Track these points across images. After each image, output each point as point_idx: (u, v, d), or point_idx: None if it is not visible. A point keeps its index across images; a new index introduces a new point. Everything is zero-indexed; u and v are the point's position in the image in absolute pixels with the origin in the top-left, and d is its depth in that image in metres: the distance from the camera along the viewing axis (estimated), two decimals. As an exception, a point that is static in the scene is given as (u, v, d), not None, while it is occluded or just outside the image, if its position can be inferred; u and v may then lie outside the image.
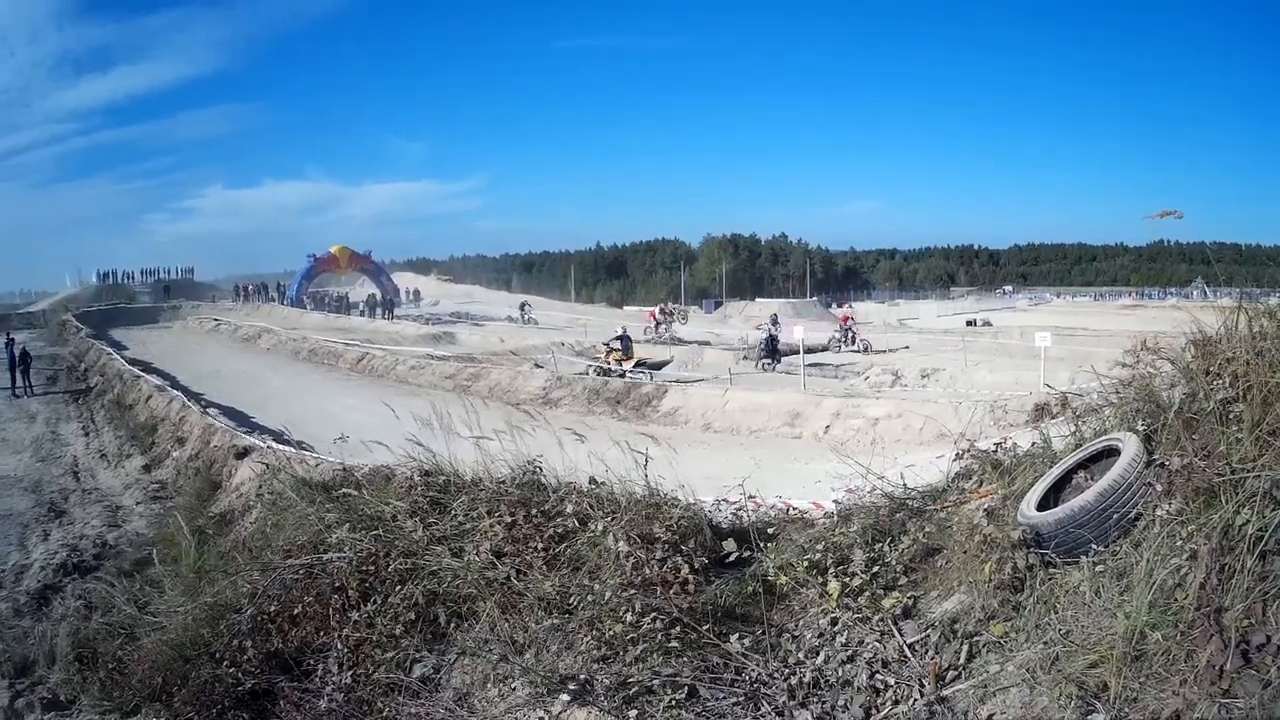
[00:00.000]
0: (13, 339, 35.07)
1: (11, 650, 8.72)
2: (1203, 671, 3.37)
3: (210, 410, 21.98)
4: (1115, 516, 4.43)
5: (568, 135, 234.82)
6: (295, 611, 6.57)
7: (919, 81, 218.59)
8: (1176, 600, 3.74)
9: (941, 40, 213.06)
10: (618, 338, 30.28)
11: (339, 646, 6.28)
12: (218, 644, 6.60)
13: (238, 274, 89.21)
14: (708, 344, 38.46)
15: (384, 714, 5.76)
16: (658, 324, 43.90)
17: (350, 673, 6.12)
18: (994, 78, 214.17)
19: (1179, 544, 3.94)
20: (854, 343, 35.71)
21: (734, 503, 7.12)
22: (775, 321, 40.16)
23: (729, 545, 6.01)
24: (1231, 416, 4.23)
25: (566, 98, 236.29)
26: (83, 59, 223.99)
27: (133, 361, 33.77)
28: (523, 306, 58.88)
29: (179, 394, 24.42)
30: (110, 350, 37.98)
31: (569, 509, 6.66)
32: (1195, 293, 78.29)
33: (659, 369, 28.29)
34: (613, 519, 6.33)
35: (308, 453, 13.03)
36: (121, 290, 76.35)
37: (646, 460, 6.77)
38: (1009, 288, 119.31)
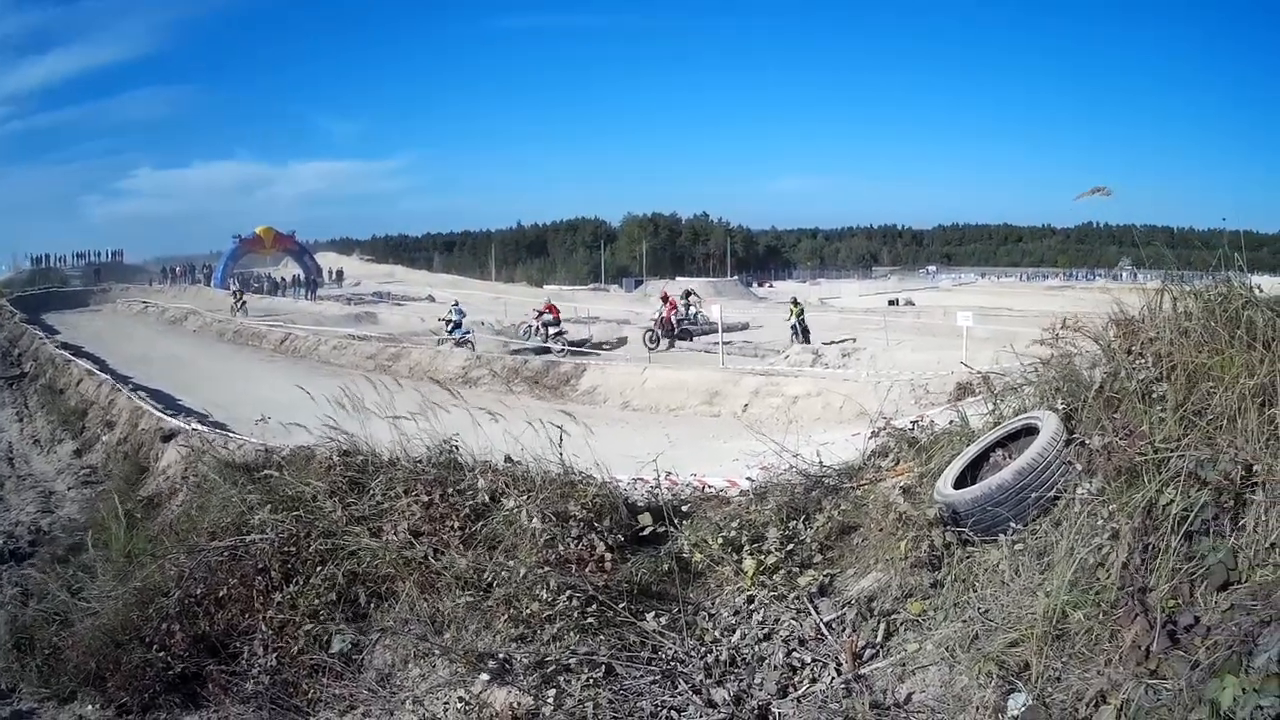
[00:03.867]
0: None
1: (-49, 640, 8.46)
2: (1128, 652, 3.36)
3: (138, 393, 21.54)
4: (1034, 495, 4.44)
5: (491, 114, 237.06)
6: (220, 594, 6.51)
7: (841, 56, 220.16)
8: (1099, 580, 3.76)
9: (865, 14, 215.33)
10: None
11: (263, 628, 6.22)
12: (147, 628, 6.56)
13: (167, 256, 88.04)
14: (627, 322, 38.55)
15: (309, 695, 5.77)
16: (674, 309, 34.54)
17: (275, 654, 6.07)
18: (919, 53, 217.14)
19: (1100, 523, 3.95)
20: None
21: (649, 481, 7.10)
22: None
23: (645, 519, 5.98)
24: (1154, 396, 4.27)
25: (489, 76, 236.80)
26: (25, 41, 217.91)
27: (64, 345, 33.11)
28: (687, 295, 37.48)
29: (107, 377, 23.93)
30: (42, 335, 37.15)
31: (484, 487, 6.57)
32: (1124, 274, 79.75)
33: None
34: (527, 497, 6.26)
35: (231, 434, 12.88)
36: (53, 274, 75.10)
37: (561, 438, 6.72)
38: (932, 268, 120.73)
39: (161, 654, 6.33)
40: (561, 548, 5.80)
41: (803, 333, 32.13)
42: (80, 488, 16.52)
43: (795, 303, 35.55)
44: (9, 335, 40.69)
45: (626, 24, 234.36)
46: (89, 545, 9.24)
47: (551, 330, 31.08)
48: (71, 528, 13.30)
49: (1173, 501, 3.69)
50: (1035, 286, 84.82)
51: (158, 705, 6.32)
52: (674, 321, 31.03)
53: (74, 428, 21.41)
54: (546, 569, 5.53)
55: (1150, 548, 3.66)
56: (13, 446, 20.97)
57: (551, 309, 32.23)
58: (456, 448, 7.15)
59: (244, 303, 46.01)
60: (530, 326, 32.55)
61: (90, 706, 6.69)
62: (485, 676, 4.93)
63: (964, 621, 4.13)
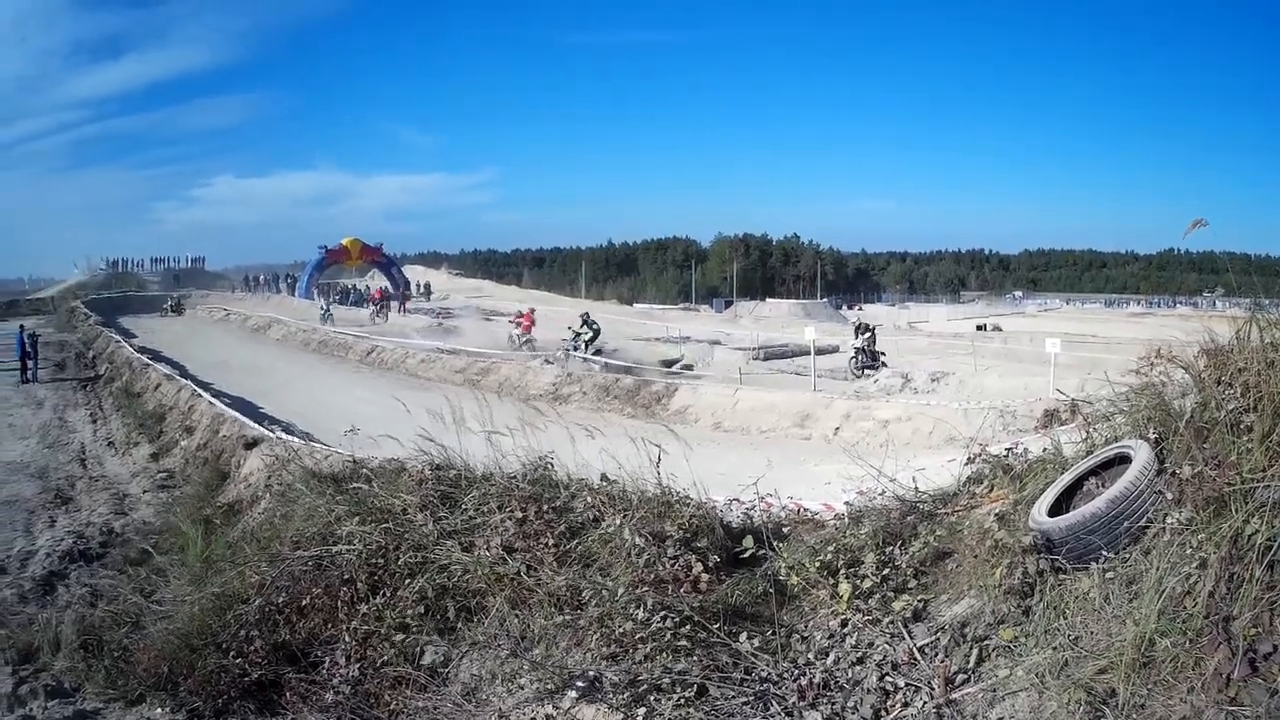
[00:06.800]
0: (24, 327, 35.05)
1: (16, 637, 8.61)
2: (1210, 679, 3.40)
3: (219, 400, 21.90)
4: (1126, 524, 4.44)
5: (579, 130, 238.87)
6: (303, 603, 6.60)
7: (931, 80, 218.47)
8: (1185, 608, 3.76)
9: (953, 39, 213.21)
10: None
11: (347, 639, 6.29)
12: (224, 634, 6.62)
13: (248, 264, 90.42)
14: (718, 343, 38.42)
15: (391, 707, 5.80)
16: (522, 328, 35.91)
17: (357, 665, 6.13)
18: (1007, 79, 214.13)
19: (1189, 552, 3.96)
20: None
21: (745, 503, 7.14)
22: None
23: (747, 542, 5.99)
24: (1243, 427, 4.24)
25: (578, 93, 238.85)
26: (97, 46, 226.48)
27: (141, 349, 33.80)
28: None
29: (188, 383, 24.38)
30: (119, 338, 37.99)
31: (580, 505, 6.69)
32: (1204, 302, 77.80)
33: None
34: (624, 516, 6.33)
35: (317, 444, 13.04)
36: (130, 278, 76.99)
37: (660, 458, 6.78)
38: (1019, 293, 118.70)
39: (238, 660, 6.37)
40: (659, 567, 5.85)
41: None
42: (156, 491, 16.74)
43: (589, 322, 30.91)
44: (83, 337, 41.83)
45: (714, 42, 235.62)
46: (164, 549, 9.44)
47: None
48: (145, 531, 13.40)
49: (1258, 531, 3.70)
50: (1117, 313, 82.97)
51: (231, 711, 6.33)
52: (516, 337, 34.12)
53: (151, 431, 21.82)
54: (643, 588, 5.58)
55: (1235, 577, 3.67)
56: (85, 448, 21.31)
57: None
58: (551, 464, 7.24)
59: (180, 308, 58.75)
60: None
61: (160, 710, 6.66)
62: (574, 694, 4.96)
63: (1054, 648, 4.13)
